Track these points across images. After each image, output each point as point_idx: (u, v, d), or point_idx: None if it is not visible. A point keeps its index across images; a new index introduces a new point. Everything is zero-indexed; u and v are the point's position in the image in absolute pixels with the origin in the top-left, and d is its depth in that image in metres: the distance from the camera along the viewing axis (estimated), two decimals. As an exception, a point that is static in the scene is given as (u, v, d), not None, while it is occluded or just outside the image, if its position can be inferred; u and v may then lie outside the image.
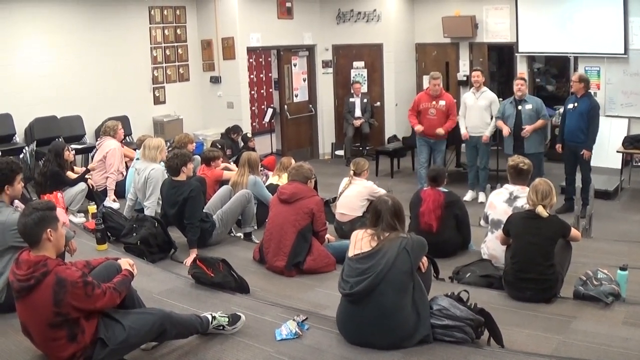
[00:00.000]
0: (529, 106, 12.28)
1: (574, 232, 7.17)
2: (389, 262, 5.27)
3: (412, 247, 5.39)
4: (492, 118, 13.03)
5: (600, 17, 15.42)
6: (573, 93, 12.07)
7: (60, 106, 13.51)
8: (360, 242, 5.51)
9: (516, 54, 17.11)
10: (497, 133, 13.29)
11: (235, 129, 15.39)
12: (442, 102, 13.21)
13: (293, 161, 10.09)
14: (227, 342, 5.55)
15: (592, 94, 12.55)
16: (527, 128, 12.08)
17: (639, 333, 5.84)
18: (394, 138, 17.42)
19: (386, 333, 5.29)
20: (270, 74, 19.92)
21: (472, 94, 13.25)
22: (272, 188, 9.88)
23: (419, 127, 13.46)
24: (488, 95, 13.14)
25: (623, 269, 6.85)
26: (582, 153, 11.75)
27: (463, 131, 13.38)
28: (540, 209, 6.86)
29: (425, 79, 14.57)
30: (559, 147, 12.29)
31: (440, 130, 13.16)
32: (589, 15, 15.59)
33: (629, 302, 6.73)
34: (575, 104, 11.77)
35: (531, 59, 17.59)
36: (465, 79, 17.52)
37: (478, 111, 13.04)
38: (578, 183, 11.81)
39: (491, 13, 17.19)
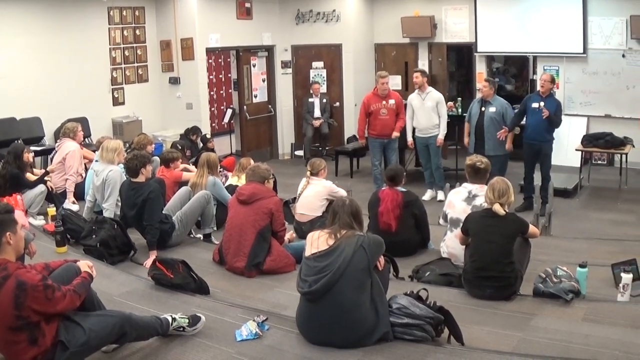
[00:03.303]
0: (492, 109, 12.30)
1: (532, 228, 7.25)
2: (346, 259, 5.32)
3: (369, 244, 5.46)
4: (440, 118, 13.11)
5: (560, 16, 15.62)
6: (537, 92, 12.20)
7: (19, 108, 13.39)
8: (317, 241, 5.56)
9: (475, 54, 17.24)
10: (456, 132, 13.38)
11: (195, 130, 15.37)
12: (391, 102, 13.28)
13: (252, 162, 10.05)
14: (188, 344, 5.56)
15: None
16: (502, 133, 12.14)
17: (600, 329, 5.92)
18: (353, 138, 17.42)
19: (345, 331, 5.33)
20: (229, 75, 19.92)
21: (418, 95, 13.26)
22: (232, 189, 9.85)
23: (362, 142, 13.79)
24: (434, 96, 13.18)
25: (583, 266, 6.93)
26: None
27: (409, 139, 13.55)
28: (497, 207, 6.94)
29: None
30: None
31: (396, 133, 13.26)
32: (548, 15, 15.78)
33: (589, 299, 6.82)
34: (541, 103, 11.86)
35: (490, 59, 17.73)
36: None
37: (426, 112, 13.12)
38: (537, 182, 11.90)
39: (450, 13, 17.31)
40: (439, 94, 13.45)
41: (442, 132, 13.15)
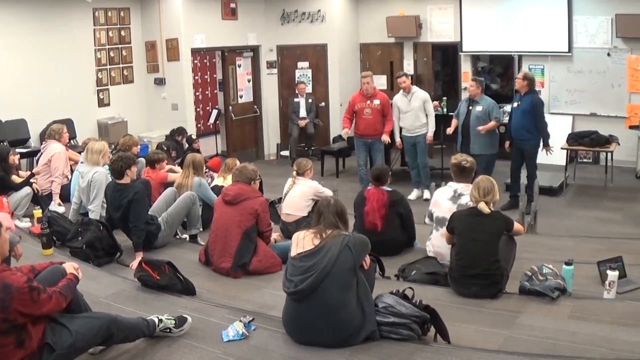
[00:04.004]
0: (479, 108, 12.33)
1: (517, 226, 7.29)
2: (332, 259, 5.34)
3: (355, 244, 5.48)
4: (427, 116, 13.17)
5: (545, 15, 15.68)
6: (517, 91, 12.24)
7: (4, 110, 13.33)
8: (303, 240, 5.58)
9: (460, 53, 17.27)
10: (441, 132, 13.41)
11: (180, 131, 15.34)
12: (376, 102, 13.24)
13: (238, 162, 10.06)
14: (174, 345, 5.57)
15: (537, 91, 12.71)
16: (481, 127, 12.17)
17: (586, 327, 5.96)
18: (339, 138, 17.41)
19: (332, 330, 5.35)
20: (214, 75, 19.92)
21: (403, 97, 13.26)
22: (217, 189, 9.86)
23: (345, 131, 13.61)
24: (420, 95, 13.21)
25: (568, 263, 6.98)
26: (542, 149, 12.00)
27: (397, 140, 13.59)
28: (482, 206, 6.98)
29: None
30: (507, 144, 12.44)
31: (385, 138, 13.23)
32: (533, 14, 15.83)
33: (575, 296, 6.86)
34: (519, 102, 11.94)
35: (475, 58, 17.79)
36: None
37: (413, 112, 13.14)
38: (523, 180, 11.94)
39: (435, 13, 17.33)
40: (424, 92, 13.50)
41: (430, 130, 13.20)
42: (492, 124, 12.21)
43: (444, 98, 15.08)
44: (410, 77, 13.45)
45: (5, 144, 12.28)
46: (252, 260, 7.81)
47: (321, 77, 18.40)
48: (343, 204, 5.90)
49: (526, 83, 11.88)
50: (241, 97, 18.39)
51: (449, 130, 12.87)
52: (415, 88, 13.32)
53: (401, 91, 13.34)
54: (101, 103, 15.61)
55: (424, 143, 13.31)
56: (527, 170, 12.11)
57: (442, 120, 13.69)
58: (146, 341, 5.56)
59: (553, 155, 12.37)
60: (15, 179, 10.41)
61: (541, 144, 12.00)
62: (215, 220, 8.14)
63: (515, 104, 12.16)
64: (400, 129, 13.45)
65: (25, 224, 9.90)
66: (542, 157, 12.30)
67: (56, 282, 5.01)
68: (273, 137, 19.07)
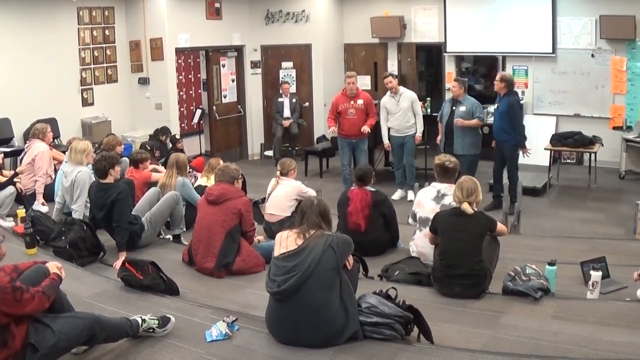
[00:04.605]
0: (462, 108, 12.37)
1: (500, 226, 7.32)
2: (315, 259, 5.35)
3: (338, 244, 5.49)
4: (415, 116, 13.20)
5: (529, 16, 15.79)
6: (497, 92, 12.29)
7: (-12, 109, 13.29)
8: (286, 241, 5.58)
9: (444, 54, 17.31)
10: (425, 132, 13.43)
11: (164, 131, 15.32)
12: (360, 102, 13.27)
13: (221, 162, 10.02)
14: (158, 345, 5.56)
15: (517, 92, 12.77)
16: (459, 119, 12.21)
17: (569, 327, 5.98)
18: (322, 138, 17.47)
19: (315, 330, 5.35)
20: (198, 75, 19.89)
21: (392, 98, 13.29)
22: (201, 189, 9.84)
23: (332, 129, 13.58)
24: (408, 95, 13.25)
25: (551, 264, 7.02)
26: (518, 151, 12.01)
27: (386, 142, 13.62)
28: (465, 206, 7.00)
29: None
30: (494, 143, 12.50)
31: (365, 128, 13.22)
32: (517, 15, 15.94)
33: (559, 296, 6.89)
34: (499, 104, 12.02)
35: (459, 59, 17.87)
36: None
37: (402, 113, 13.18)
38: (506, 181, 11.98)
39: (420, 13, 17.40)
40: (412, 92, 13.53)
41: (419, 130, 13.24)
42: (473, 121, 12.24)
43: (428, 98, 15.14)
44: (397, 78, 13.46)
45: (-12, 143, 12.24)
46: (236, 260, 7.80)
47: (305, 77, 18.42)
48: (326, 204, 5.91)
49: (504, 85, 11.93)
50: (225, 97, 18.37)
51: (438, 139, 12.88)
52: (402, 89, 13.36)
53: (388, 92, 13.36)
54: (85, 102, 15.56)
55: (412, 143, 13.34)
56: (508, 172, 12.17)
57: (426, 121, 13.68)
58: (129, 341, 5.55)
59: (537, 155, 12.45)
60: (-1, 178, 10.39)
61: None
62: (199, 220, 8.13)
63: (496, 105, 12.29)
64: (389, 129, 13.46)
65: (8, 223, 9.86)
66: (526, 158, 12.35)
67: (39, 281, 5.00)
68: (257, 137, 19.06)
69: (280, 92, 17.81)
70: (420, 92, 18.02)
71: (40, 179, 10.88)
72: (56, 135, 13.96)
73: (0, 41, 13.54)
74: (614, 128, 15.03)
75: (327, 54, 18.24)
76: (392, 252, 9.00)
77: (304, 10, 17.85)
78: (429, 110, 14.65)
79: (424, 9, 17.30)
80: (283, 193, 9.72)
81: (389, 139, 13.60)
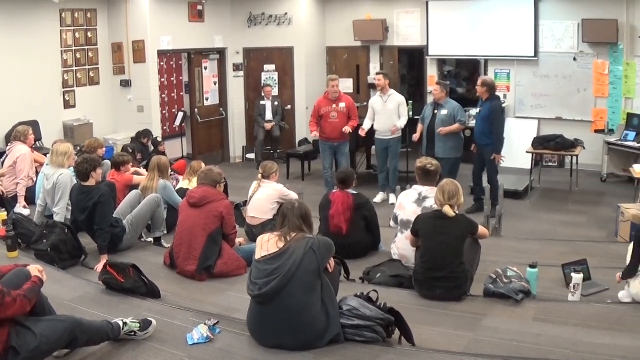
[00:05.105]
0: (444, 111, 12.47)
1: (481, 229, 7.36)
2: (297, 262, 5.37)
3: (319, 247, 5.51)
4: (400, 118, 13.17)
5: (511, 20, 15.88)
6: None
7: (-31, 112, 13.20)
8: (267, 244, 5.60)
9: (427, 57, 17.35)
10: (406, 135, 13.46)
11: (146, 133, 15.30)
12: (342, 105, 13.36)
13: (203, 165, 10.03)
14: (139, 348, 5.55)
15: (499, 97, 12.75)
16: (442, 129, 12.27)
17: (550, 329, 6.02)
18: (305, 141, 17.48)
19: (296, 333, 5.37)
20: (181, 78, 19.82)
21: (380, 98, 13.36)
22: (183, 192, 9.80)
23: (315, 134, 13.61)
24: (396, 98, 13.28)
25: (533, 266, 7.07)
26: (492, 157, 12.01)
27: (364, 127, 13.51)
28: (447, 209, 7.03)
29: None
30: (473, 146, 12.55)
31: (347, 129, 13.28)
32: (499, 19, 16.04)
33: (540, 298, 6.95)
34: (481, 108, 12.06)
35: (441, 62, 17.93)
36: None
37: (387, 114, 13.18)
38: (486, 184, 12.01)
39: (402, 17, 17.47)
40: (401, 96, 13.56)
41: (401, 124, 13.20)
42: (455, 126, 12.31)
43: (410, 102, 15.14)
44: (388, 78, 13.46)
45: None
46: (217, 263, 7.80)
47: (287, 80, 18.41)
48: (307, 207, 5.92)
49: (485, 89, 11.99)
50: (207, 99, 18.36)
51: (415, 137, 13.00)
52: (392, 90, 13.40)
53: (378, 92, 13.47)
54: (67, 105, 15.47)
55: (397, 147, 13.41)
56: (487, 175, 12.24)
57: (407, 124, 13.70)
58: (111, 344, 5.54)
59: (519, 158, 12.52)
60: (-20, 181, 10.35)
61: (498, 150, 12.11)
62: (180, 223, 8.12)
63: (478, 110, 12.34)
64: (374, 131, 13.48)
65: (-11, 226, 9.84)
66: (507, 161, 12.42)
67: (21, 284, 4.99)
68: (239, 140, 19.05)
69: (263, 95, 17.80)
70: (402, 95, 18.03)
71: (22, 181, 10.85)
72: (38, 138, 13.88)
73: (-20, 42, 13.45)
74: (596, 131, 15.13)
75: (310, 57, 18.25)
76: (374, 254, 9.02)
77: (286, 13, 17.85)
78: (411, 113, 14.64)
79: (406, 13, 17.36)
80: (265, 196, 9.72)
81: (374, 142, 13.66)
